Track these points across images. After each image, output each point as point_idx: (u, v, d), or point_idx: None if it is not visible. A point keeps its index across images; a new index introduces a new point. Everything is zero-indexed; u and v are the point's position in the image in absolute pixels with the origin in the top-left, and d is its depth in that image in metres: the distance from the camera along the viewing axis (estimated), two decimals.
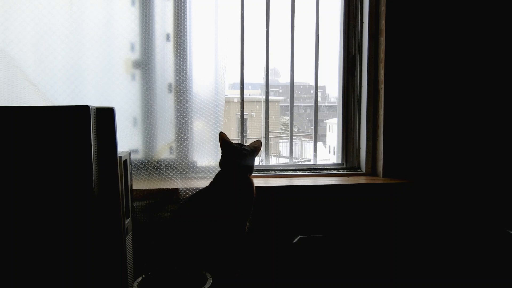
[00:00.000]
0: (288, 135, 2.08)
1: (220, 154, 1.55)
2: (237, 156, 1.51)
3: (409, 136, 1.85)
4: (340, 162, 2.02)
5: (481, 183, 1.90)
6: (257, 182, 1.66)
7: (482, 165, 1.90)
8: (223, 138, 1.54)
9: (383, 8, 1.82)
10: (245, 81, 1.92)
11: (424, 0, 1.82)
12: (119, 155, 1.23)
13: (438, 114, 1.86)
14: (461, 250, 1.89)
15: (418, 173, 1.86)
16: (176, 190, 1.61)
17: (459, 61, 1.86)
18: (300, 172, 1.95)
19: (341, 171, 1.98)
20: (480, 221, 1.90)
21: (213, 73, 1.69)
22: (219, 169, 1.54)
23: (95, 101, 1.58)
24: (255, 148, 1.56)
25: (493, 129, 1.90)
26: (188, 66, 1.68)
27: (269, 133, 2.03)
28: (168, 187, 1.62)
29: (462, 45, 1.86)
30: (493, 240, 1.88)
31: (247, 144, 1.61)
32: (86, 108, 1.11)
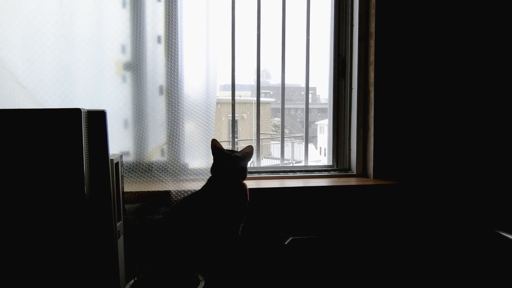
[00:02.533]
0: (279, 136, 2.08)
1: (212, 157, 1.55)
2: (228, 164, 1.50)
3: (399, 137, 1.87)
4: (331, 163, 2.03)
5: (470, 184, 1.93)
6: (249, 184, 1.66)
7: (472, 167, 1.93)
8: (215, 146, 1.53)
9: (372, 11, 1.84)
10: (236, 82, 1.92)
11: (413, 4, 1.84)
12: (110, 157, 1.23)
13: (428, 116, 1.89)
14: (451, 249, 1.92)
15: (408, 174, 1.88)
16: (167, 192, 1.60)
17: (448, 63, 1.89)
18: (291, 174, 1.96)
19: (332, 173, 1.99)
20: (469, 221, 1.93)
21: (204, 75, 1.70)
22: (211, 171, 1.54)
23: (85, 104, 1.57)
24: (247, 154, 1.54)
25: (482, 131, 1.93)
26: (179, 68, 1.68)
27: (260, 135, 2.04)
28: (159, 189, 1.61)
29: (451, 47, 1.89)
30: (482, 239, 1.91)
31: (239, 150, 1.60)
32: (77, 111, 1.11)
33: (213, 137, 1.65)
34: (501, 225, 1.85)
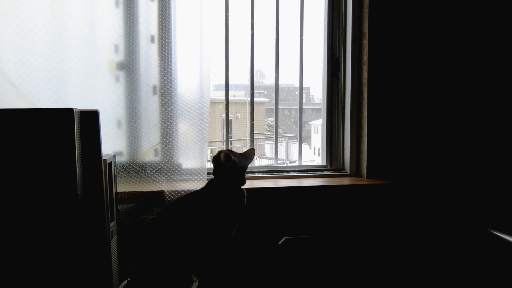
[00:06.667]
0: (273, 136, 2.09)
1: (207, 158, 1.54)
2: (235, 172, 1.49)
3: (392, 137, 1.88)
4: (324, 163, 2.04)
5: (463, 184, 1.94)
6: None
7: (464, 166, 1.94)
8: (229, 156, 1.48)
9: (366, 11, 1.84)
10: (230, 82, 1.92)
11: (407, 4, 1.85)
12: (103, 157, 1.22)
13: (421, 116, 1.90)
14: (444, 248, 1.93)
15: (401, 174, 1.89)
16: (161, 193, 1.60)
17: (442, 63, 1.90)
18: (285, 174, 1.96)
19: (326, 172, 2.00)
20: (462, 220, 1.94)
21: (198, 75, 1.69)
22: (204, 171, 1.53)
23: (78, 104, 1.56)
24: (249, 156, 1.55)
25: (475, 130, 1.95)
26: (172, 68, 1.67)
27: (254, 135, 2.04)
28: (153, 189, 1.61)
29: (444, 47, 1.90)
30: (475, 238, 1.92)
31: (232, 149, 1.59)
32: (70, 110, 1.10)
33: (207, 137, 1.65)
34: (494, 224, 1.86)
